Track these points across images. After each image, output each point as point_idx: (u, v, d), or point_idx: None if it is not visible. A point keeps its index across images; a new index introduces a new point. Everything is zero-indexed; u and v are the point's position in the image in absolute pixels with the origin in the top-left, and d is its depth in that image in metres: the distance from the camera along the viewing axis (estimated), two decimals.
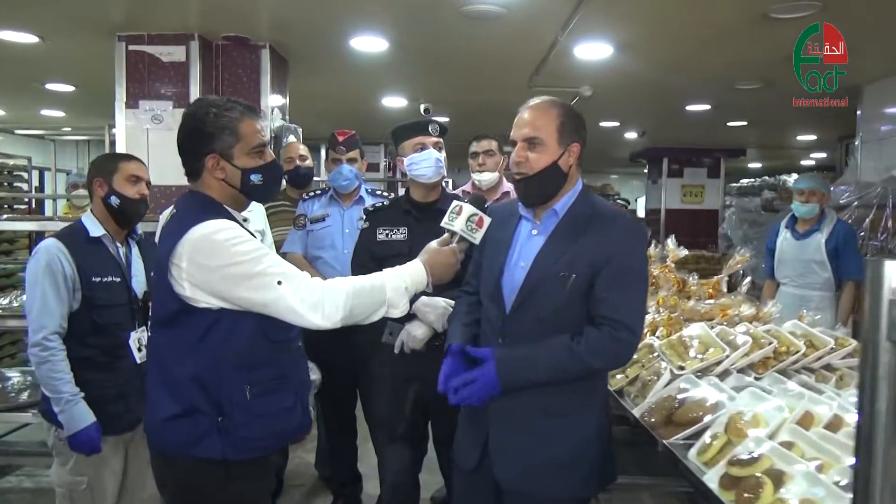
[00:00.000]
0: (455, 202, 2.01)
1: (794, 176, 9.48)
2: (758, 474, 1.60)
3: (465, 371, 1.93)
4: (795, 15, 3.69)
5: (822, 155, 11.53)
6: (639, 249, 2.01)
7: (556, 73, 5.15)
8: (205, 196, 1.86)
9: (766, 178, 10.59)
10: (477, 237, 1.97)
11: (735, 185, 11.49)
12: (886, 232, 4.52)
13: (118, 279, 2.48)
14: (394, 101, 6.89)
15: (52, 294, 2.34)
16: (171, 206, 1.96)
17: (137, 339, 2.50)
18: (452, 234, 1.97)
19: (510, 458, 1.96)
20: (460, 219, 1.95)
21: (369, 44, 4.56)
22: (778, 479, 1.56)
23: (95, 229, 2.48)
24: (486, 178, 3.61)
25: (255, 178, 1.87)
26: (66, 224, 2.71)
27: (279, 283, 1.73)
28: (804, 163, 12.83)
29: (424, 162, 2.63)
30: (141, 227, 2.71)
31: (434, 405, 2.69)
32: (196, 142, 1.83)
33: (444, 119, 6.72)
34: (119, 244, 2.55)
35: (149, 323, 2.51)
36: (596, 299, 1.88)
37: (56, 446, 2.46)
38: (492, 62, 5.12)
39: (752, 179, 11.30)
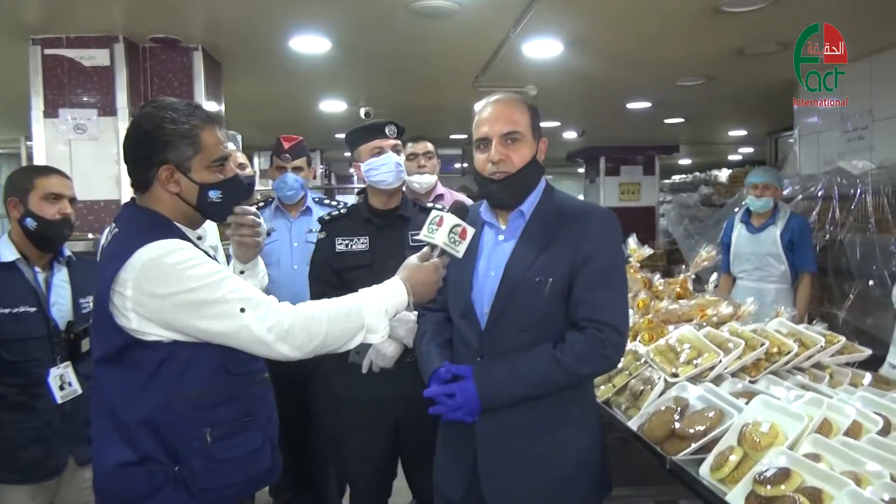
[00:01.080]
0: (434, 212, 1.82)
1: (725, 171, 9.71)
2: (791, 493, 1.47)
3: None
4: (747, 8, 3.66)
5: (750, 150, 11.86)
6: (616, 244, 1.90)
7: (502, 73, 5.03)
8: (152, 212, 1.62)
9: (698, 173, 10.84)
10: (460, 250, 1.78)
11: (668, 181, 11.72)
12: (835, 224, 4.57)
13: (33, 309, 2.19)
14: (333, 106, 6.63)
15: None
16: (112, 224, 1.69)
17: (59, 375, 2.21)
18: (433, 247, 1.78)
19: (502, 483, 1.81)
20: (441, 230, 1.76)
21: (310, 44, 4.31)
22: (816, 498, 1.43)
23: (8, 254, 2.20)
24: (427, 181, 3.47)
25: (214, 195, 1.64)
26: None
27: (242, 310, 1.52)
28: (732, 157, 13.19)
29: (384, 167, 2.46)
30: (69, 248, 2.41)
31: (405, 426, 2.53)
32: (148, 149, 1.59)
33: None
34: (39, 269, 2.26)
35: (74, 358, 2.25)
36: (576, 301, 1.76)
37: None
38: (438, 63, 4.95)
39: (685, 175, 11.55)
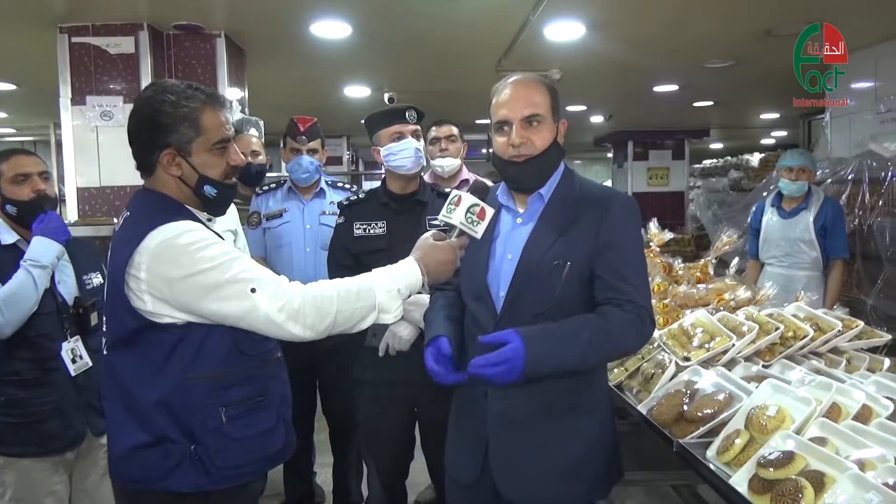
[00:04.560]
0: (453, 192, 1.80)
1: (757, 155, 9.54)
2: (794, 476, 1.46)
3: (448, 367, 1.74)
4: None
5: (783, 133, 11.62)
6: (637, 229, 1.86)
7: (524, 56, 4.99)
8: (162, 195, 1.64)
9: (730, 158, 10.65)
10: (479, 231, 1.75)
11: (698, 166, 11.54)
12: (864, 208, 4.47)
13: None
14: (357, 91, 6.65)
15: None
16: (125, 209, 1.71)
17: (71, 349, 2.28)
18: (450, 227, 1.77)
19: (514, 469, 1.80)
20: (459, 210, 1.74)
21: (331, 29, 4.33)
22: (818, 481, 1.42)
23: (7, 236, 2.27)
24: (449, 164, 3.42)
25: (209, 192, 1.65)
26: None
27: (253, 290, 1.53)
28: (765, 141, 12.95)
29: (403, 152, 2.47)
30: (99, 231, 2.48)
31: (422, 408, 2.55)
32: (150, 133, 1.60)
33: None
34: None
35: (84, 332, 2.31)
36: (605, 286, 1.72)
37: None
38: (460, 47, 4.93)
39: (715, 160, 11.36)
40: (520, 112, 1.76)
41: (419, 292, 1.77)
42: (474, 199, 1.74)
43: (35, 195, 2.27)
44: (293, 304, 1.55)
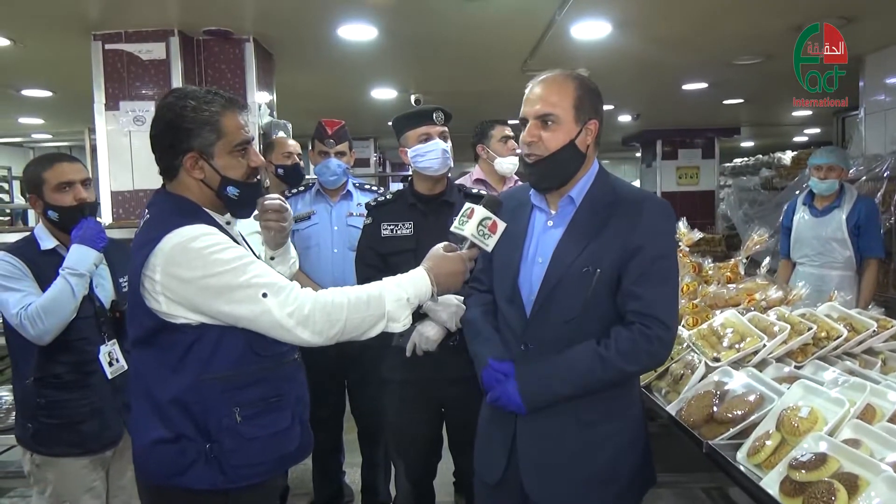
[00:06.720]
0: (467, 204, 1.82)
1: (789, 153, 9.38)
2: (827, 479, 1.44)
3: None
4: None
5: (817, 130, 11.40)
6: (669, 236, 1.83)
7: (551, 56, 4.96)
8: (181, 198, 1.67)
9: (760, 156, 10.49)
10: (490, 244, 1.78)
11: (729, 165, 11.39)
12: None
13: None
14: (384, 93, 6.69)
15: (6, 283, 2.20)
16: (145, 210, 1.74)
17: (108, 352, 2.34)
18: (462, 238, 1.78)
19: (542, 473, 1.79)
20: (471, 222, 1.76)
21: (358, 32, 4.36)
22: (852, 484, 1.40)
23: (47, 242, 2.33)
24: (516, 163, 3.48)
25: (232, 192, 1.68)
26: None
27: (264, 295, 1.56)
28: (797, 139, 12.70)
29: (430, 154, 2.47)
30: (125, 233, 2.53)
31: (449, 408, 2.56)
32: (172, 138, 1.64)
33: None
34: None
35: (120, 335, 2.35)
36: (625, 294, 1.71)
37: (34, 473, 2.31)
38: (486, 47, 4.92)
39: (746, 158, 11.20)
40: (532, 110, 1.76)
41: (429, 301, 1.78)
42: (487, 213, 1.76)
43: (77, 203, 2.32)
44: (303, 311, 1.58)
